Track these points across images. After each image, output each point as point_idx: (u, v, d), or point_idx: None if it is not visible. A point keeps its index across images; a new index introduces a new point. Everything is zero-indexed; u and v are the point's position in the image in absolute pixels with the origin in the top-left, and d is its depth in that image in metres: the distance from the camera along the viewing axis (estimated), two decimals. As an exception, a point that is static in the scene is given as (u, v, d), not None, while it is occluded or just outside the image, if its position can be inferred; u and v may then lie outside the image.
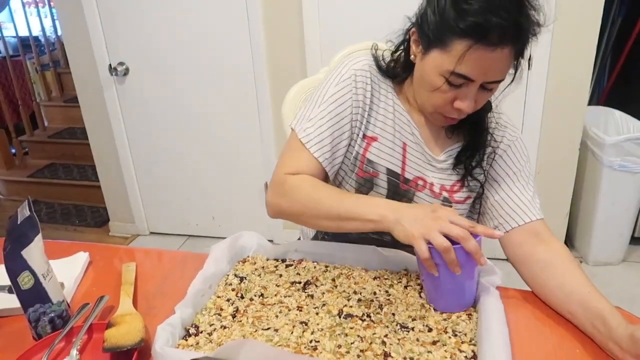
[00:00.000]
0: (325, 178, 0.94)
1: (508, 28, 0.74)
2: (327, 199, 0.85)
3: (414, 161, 0.96)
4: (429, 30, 0.82)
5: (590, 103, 2.12)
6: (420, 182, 0.96)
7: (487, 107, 0.93)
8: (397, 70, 0.95)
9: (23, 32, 3.74)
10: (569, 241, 2.40)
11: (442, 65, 0.81)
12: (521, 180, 0.93)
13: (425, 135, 0.96)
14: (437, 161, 0.96)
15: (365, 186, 0.95)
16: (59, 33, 3.84)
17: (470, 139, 0.95)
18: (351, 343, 0.72)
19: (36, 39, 3.86)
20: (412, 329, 0.75)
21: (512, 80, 0.86)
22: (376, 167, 0.95)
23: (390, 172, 0.95)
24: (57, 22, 3.71)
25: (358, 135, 0.94)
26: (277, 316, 0.79)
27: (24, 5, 3.79)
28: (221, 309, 0.81)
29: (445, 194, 0.96)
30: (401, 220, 0.76)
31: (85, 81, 2.47)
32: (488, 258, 0.84)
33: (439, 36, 0.80)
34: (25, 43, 3.72)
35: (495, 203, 0.94)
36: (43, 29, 3.81)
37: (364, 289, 0.85)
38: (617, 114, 2.30)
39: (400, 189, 0.96)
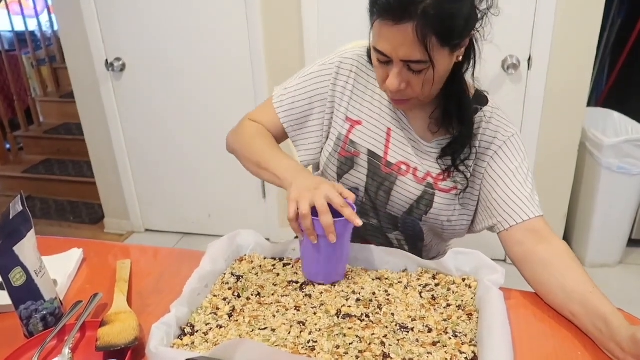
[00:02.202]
0: (285, 139, 1.06)
1: (399, 5, 0.76)
2: (258, 147, 0.97)
3: (399, 146, 0.98)
4: (368, 15, 0.86)
5: (589, 104, 2.12)
6: (403, 167, 0.97)
7: (466, 101, 0.92)
8: None
9: (19, 27, 3.70)
10: (567, 242, 2.38)
11: (371, 43, 0.86)
12: (518, 177, 0.92)
13: (416, 122, 0.98)
14: (428, 148, 0.97)
15: (347, 164, 0.99)
16: (56, 28, 3.81)
17: (456, 134, 0.94)
18: (350, 344, 0.71)
19: (32, 33, 3.82)
20: (412, 329, 0.74)
21: (468, 65, 0.89)
22: (358, 148, 0.99)
23: (371, 154, 0.98)
24: (53, 17, 3.68)
25: (338, 117, 1.00)
26: (274, 316, 0.78)
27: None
28: (217, 308, 0.80)
29: (430, 179, 0.96)
30: (292, 185, 0.83)
31: (82, 77, 2.45)
32: (492, 259, 0.83)
33: (370, 18, 0.84)
34: (22, 38, 3.69)
35: (493, 201, 0.93)
36: (39, 24, 3.78)
37: (363, 289, 0.84)
38: (616, 115, 2.30)
39: (381, 172, 0.98)
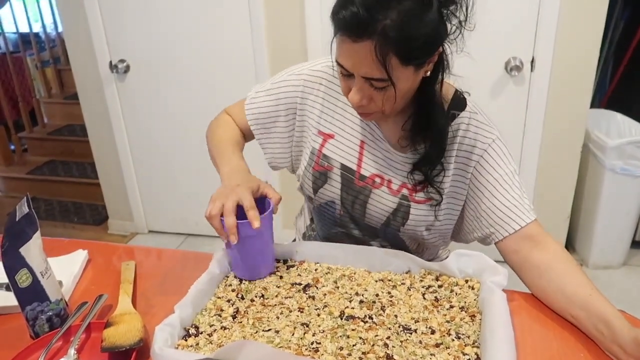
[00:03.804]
0: (251, 136, 1.08)
1: (357, 22, 0.73)
2: (217, 142, 1.01)
3: (372, 159, 0.96)
4: None
5: (592, 106, 2.11)
6: (377, 180, 0.96)
7: (436, 116, 0.87)
8: None
9: (24, 29, 3.72)
10: (570, 244, 2.39)
11: (334, 56, 0.83)
12: (504, 185, 0.90)
13: (390, 134, 0.95)
14: (403, 158, 0.95)
15: (320, 179, 0.99)
16: (60, 30, 3.83)
17: (426, 149, 0.91)
18: (353, 345, 0.71)
19: (37, 35, 3.84)
20: (415, 331, 0.74)
21: (437, 78, 0.84)
22: (331, 162, 0.98)
23: (344, 168, 0.97)
24: (57, 19, 3.70)
25: (309, 129, 1.00)
26: (278, 317, 0.78)
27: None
28: (221, 310, 0.81)
29: (405, 191, 0.95)
30: (221, 185, 0.88)
31: (86, 78, 2.46)
32: (495, 261, 0.83)
33: (334, 29, 0.81)
34: (26, 39, 3.71)
35: (482, 212, 0.91)
36: (44, 26, 3.79)
37: (366, 290, 0.84)
38: (619, 117, 2.29)
39: (354, 185, 0.97)
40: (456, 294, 0.83)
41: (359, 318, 0.77)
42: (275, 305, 0.81)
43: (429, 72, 0.83)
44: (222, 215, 0.82)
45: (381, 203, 0.96)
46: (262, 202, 0.86)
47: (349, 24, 0.74)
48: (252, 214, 0.80)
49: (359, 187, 0.97)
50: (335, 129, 0.98)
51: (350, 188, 0.97)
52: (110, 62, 2.37)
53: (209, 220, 0.82)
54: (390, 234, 0.99)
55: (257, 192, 0.85)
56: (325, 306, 0.80)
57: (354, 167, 0.97)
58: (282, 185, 2.38)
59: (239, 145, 1.01)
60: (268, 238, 0.88)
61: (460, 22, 0.79)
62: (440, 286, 0.85)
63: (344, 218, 1.01)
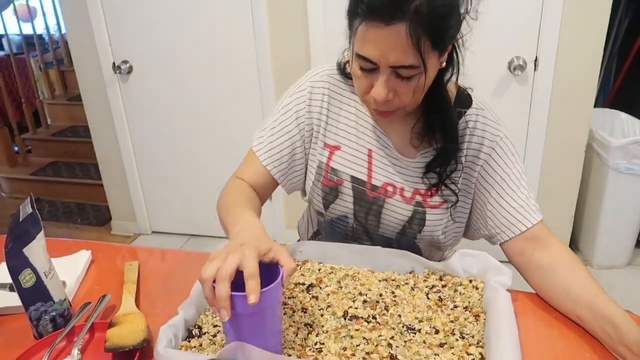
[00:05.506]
0: (275, 186, 0.99)
1: (389, 3, 0.70)
2: (227, 207, 0.87)
3: (382, 167, 0.94)
4: (347, 19, 0.79)
5: (596, 105, 2.11)
6: (389, 189, 0.93)
7: (450, 111, 0.86)
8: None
9: (27, 30, 3.73)
10: (574, 244, 2.38)
11: (354, 50, 0.79)
12: (511, 184, 0.89)
13: (396, 138, 0.93)
14: (412, 164, 0.93)
15: (332, 194, 0.96)
16: (63, 31, 3.84)
17: (440, 147, 0.89)
18: (357, 345, 0.71)
19: (40, 37, 3.85)
20: (419, 330, 0.74)
21: (452, 72, 0.83)
22: (340, 175, 0.95)
23: (355, 180, 0.94)
24: (61, 21, 3.71)
25: (316, 144, 0.96)
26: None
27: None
28: (225, 310, 0.80)
29: (418, 198, 0.93)
30: (228, 245, 0.70)
31: (89, 79, 2.47)
32: (499, 261, 0.83)
33: (350, 22, 0.78)
34: (29, 41, 3.72)
35: (488, 212, 0.90)
36: (47, 28, 3.81)
37: (370, 290, 0.84)
38: (623, 116, 2.29)
39: (367, 197, 0.94)
40: (460, 293, 0.82)
41: (362, 318, 0.77)
42: (279, 305, 0.81)
43: (444, 63, 0.81)
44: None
45: (396, 212, 0.94)
46: (272, 270, 0.68)
47: (380, 6, 0.71)
48: (252, 284, 0.62)
49: (371, 198, 0.94)
50: (340, 139, 0.95)
51: (363, 200, 0.95)
52: (114, 63, 2.37)
53: (201, 284, 0.65)
54: (405, 242, 0.97)
55: (267, 256, 0.68)
56: (329, 306, 0.80)
57: (365, 178, 0.94)
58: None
59: (250, 206, 0.87)
60: (272, 316, 0.68)
61: (463, 13, 0.77)
62: (444, 286, 0.85)
63: (357, 231, 0.99)
